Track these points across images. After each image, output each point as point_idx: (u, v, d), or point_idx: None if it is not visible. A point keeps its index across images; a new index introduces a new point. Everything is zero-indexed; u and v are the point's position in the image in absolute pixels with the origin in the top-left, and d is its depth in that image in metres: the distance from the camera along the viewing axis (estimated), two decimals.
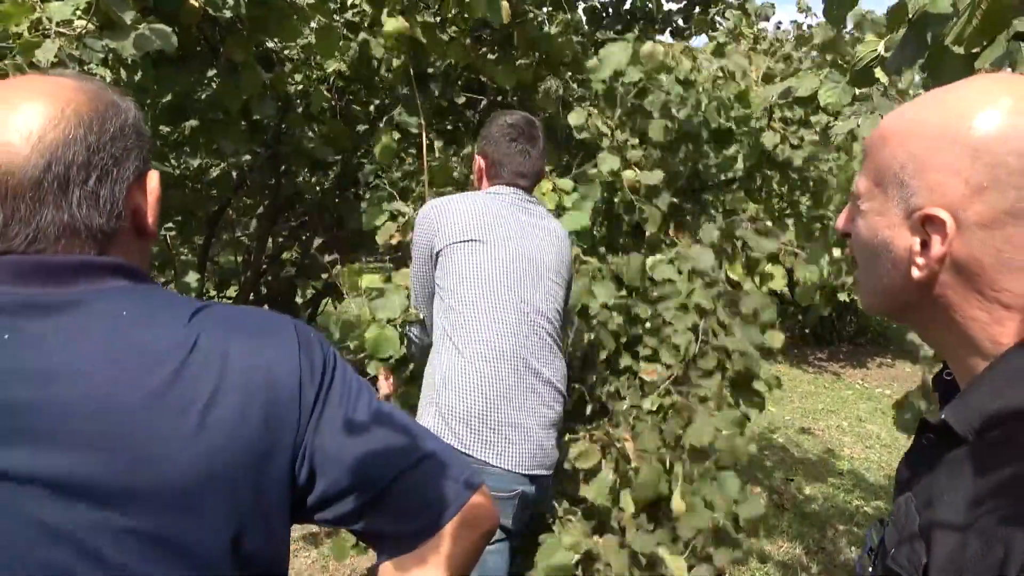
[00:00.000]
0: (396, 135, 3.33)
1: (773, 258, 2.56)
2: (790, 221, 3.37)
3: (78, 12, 2.01)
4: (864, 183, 0.72)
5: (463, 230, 1.77)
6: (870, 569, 0.75)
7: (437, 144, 3.28)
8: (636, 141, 2.90)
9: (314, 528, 3.51)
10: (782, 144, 2.97)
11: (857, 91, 1.81)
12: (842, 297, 8.98)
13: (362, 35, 3.23)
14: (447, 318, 1.75)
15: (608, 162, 2.70)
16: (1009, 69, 1.17)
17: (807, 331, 8.60)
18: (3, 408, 0.67)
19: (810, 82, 1.93)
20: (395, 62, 3.30)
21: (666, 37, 4.20)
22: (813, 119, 2.47)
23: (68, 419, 0.67)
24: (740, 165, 3.07)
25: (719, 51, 3.05)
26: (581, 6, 3.90)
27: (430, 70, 3.50)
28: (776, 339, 2.15)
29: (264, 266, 4.41)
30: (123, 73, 2.12)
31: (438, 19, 3.29)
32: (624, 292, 2.30)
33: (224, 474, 0.71)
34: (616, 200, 2.80)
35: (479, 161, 1.97)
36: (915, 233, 0.67)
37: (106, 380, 0.69)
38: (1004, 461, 0.61)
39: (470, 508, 0.82)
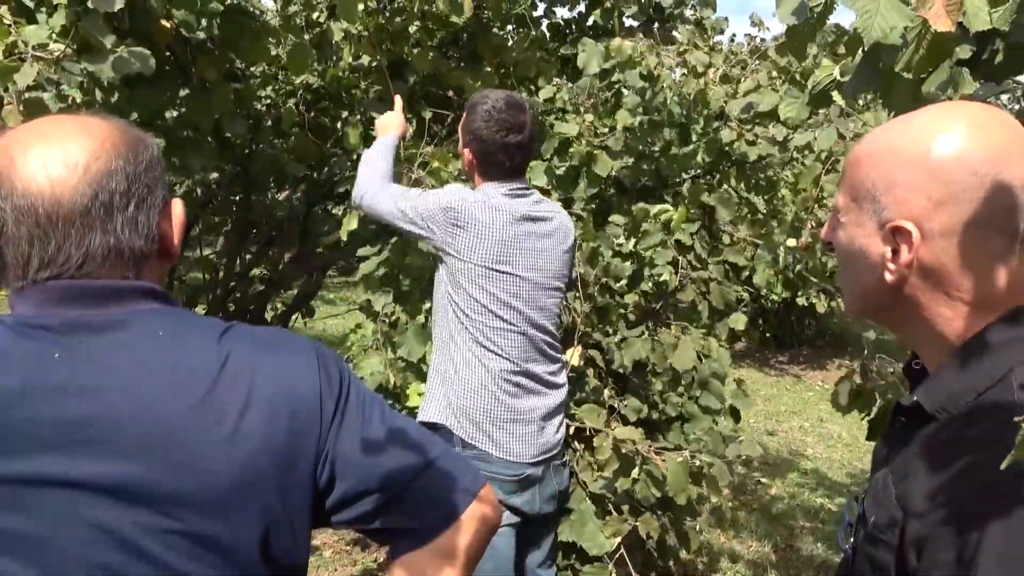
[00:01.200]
0: (361, 129, 3.39)
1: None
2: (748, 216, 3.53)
3: (54, 35, 2.02)
4: (843, 199, 0.82)
5: (495, 258, 1.90)
6: (851, 539, 0.84)
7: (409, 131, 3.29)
8: (606, 131, 3.06)
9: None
10: (738, 141, 3.11)
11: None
12: (801, 301, 9.22)
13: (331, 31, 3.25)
14: (463, 320, 1.90)
15: (569, 128, 2.86)
16: (952, 91, 1.28)
17: (769, 335, 8.80)
18: (59, 420, 0.73)
19: (771, 98, 2.05)
20: (364, 59, 3.33)
21: None
22: (772, 130, 2.60)
23: (118, 429, 0.74)
24: (699, 159, 3.20)
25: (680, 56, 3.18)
26: (545, 23, 3.99)
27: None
28: (739, 321, 2.32)
29: (233, 283, 4.39)
30: (98, 94, 2.12)
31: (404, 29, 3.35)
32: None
33: (254, 479, 0.79)
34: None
35: (467, 155, 1.99)
36: (887, 242, 0.76)
37: (150, 393, 0.76)
38: (965, 432, 0.71)
39: (477, 505, 0.90)
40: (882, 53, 1.02)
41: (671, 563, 2.72)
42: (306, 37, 3.05)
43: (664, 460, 2.03)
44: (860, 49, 1.08)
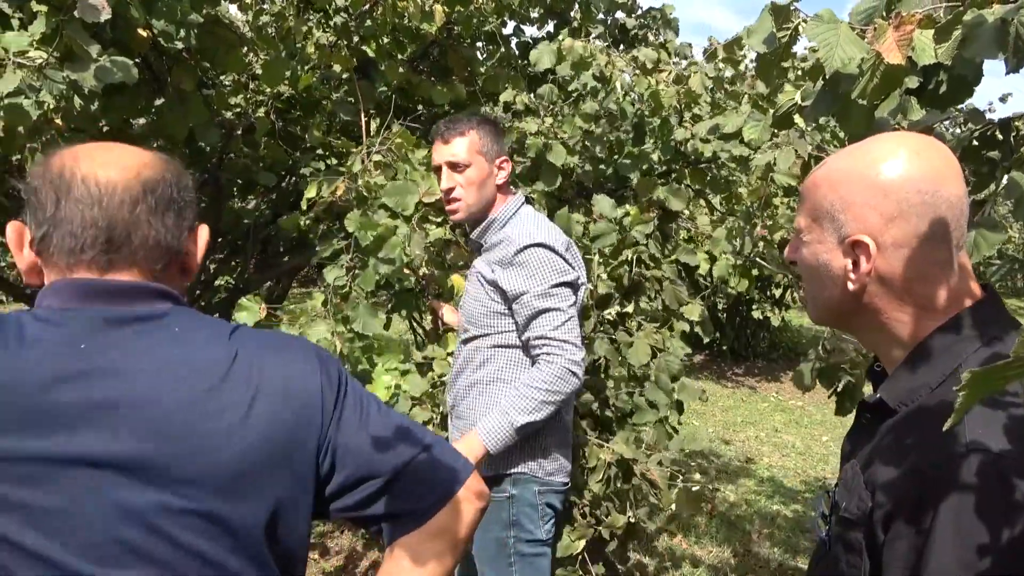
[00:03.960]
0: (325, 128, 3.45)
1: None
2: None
3: (34, 43, 2.03)
4: (804, 220, 0.91)
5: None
6: (826, 527, 0.92)
7: (374, 124, 3.33)
8: (566, 132, 3.17)
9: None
10: (692, 139, 3.23)
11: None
12: (756, 315, 9.46)
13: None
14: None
15: (527, 125, 2.98)
16: (901, 116, 1.40)
17: (725, 348, 9.02)
18: (85, 403, 0.80)
19: (735, 120, 2.18)
20: (336, 68, 3.37)
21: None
22: (735, 151, 2.73)
23: (138, 413, 0.81)
24: (656, 157, 3.32)
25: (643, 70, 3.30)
26: (514, 41, 4.09)
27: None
28: (694, 311, 2.43)
29: (198, 291, 4.36)
30: (77, 101, 2.13)
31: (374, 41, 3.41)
32: None
33: (261, 466, 0.86)
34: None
35: (509, 168, 1.99)
36: (847, 255, 0.86)
37: (166, 382, 0.84)
38: (921, 422, 0.81)
39: (468, 487, 0.97)
40: (841, 81, 1.12)
41: (633, 568, 2.81)
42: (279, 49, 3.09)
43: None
44: (821, 77, 1.18)
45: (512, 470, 1.88)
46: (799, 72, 1.71)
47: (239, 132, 3.39)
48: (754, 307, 9.16)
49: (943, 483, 0.72)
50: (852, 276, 0.85)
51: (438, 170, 1.98)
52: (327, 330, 2.36)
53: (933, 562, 0.70)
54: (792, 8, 1.12)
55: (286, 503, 0.88)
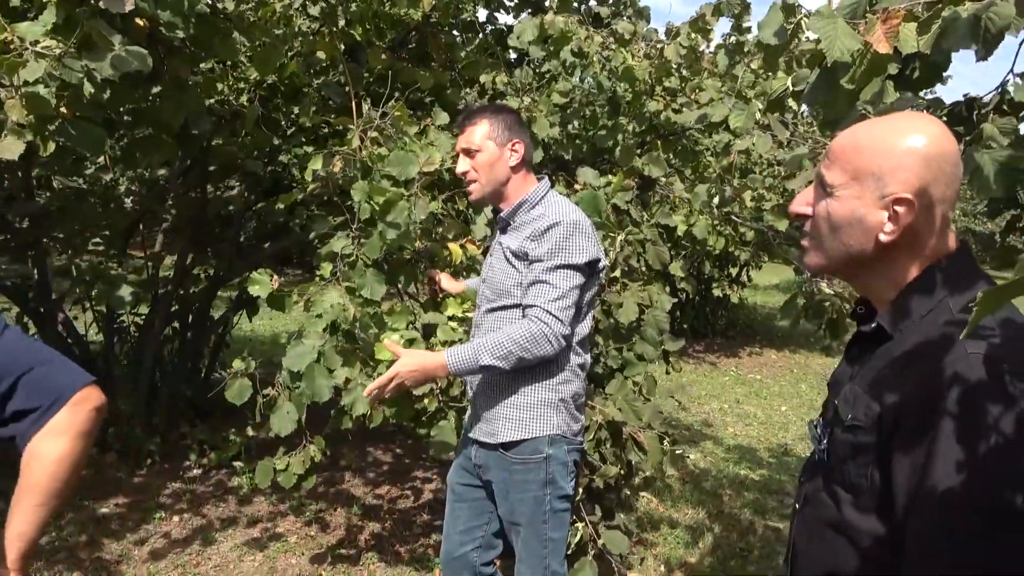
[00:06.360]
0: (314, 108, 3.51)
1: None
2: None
3: (47, 31, 2.08)
4: (840, 178, 1.05)
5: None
6: (823, 443, 1.10)
7: (365, 106, 3.42)
8: (543, 109, 3.31)
9: (256, 533, 3.57)
10: (665, 111, 3.40)
11: (759, 116, 2.27)
12: (716, 292, 9.78)
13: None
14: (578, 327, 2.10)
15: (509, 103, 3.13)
16: (880, 99, 1.58)
17: (686, 326, 9.32)
18: None
19: (721, 110, 2.35)
20: (320, 55, 3.43)
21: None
22: (716, 137, 2.90)
23: None
24: (630, 129, 3.48)
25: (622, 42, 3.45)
26: (489, 28, 4.20)
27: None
28: (677, 267, 2.65)
29: (173, 282, 4.38)
30: (87, 89, 2.18)
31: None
32: None
33: None
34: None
35: (522, 151, 2.13)
36: (886, 209, 1.01)
37: None
38: (918, 339, 0.99)
39: (85, 392, 1.27)
40: (838, 69, 1.29)
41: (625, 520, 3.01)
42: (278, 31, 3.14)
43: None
44: (817, 65, 1.35)
45: (548, 432, 2.03)
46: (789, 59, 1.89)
47: (227, 119, 3.43)
48: (714, 286, 9.47)
49: (946, 383, 0.90)
50: (888, 228, 1.01)
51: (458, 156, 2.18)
52: (339, 296, 2.44)
53: (941, 452, 0.88)
54: (796, 4, 1.28)
55: None
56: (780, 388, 7.46)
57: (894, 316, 1.04)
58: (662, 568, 3.43)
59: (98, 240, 3.50)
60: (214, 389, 4.49)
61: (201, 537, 3.50)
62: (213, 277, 4.54)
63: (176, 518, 3.69)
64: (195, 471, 4.23)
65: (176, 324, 4.64)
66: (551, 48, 3.23)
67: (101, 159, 3.93)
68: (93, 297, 4.12)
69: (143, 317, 4.47)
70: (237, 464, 4.21)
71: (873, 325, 1.07)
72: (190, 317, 4.66)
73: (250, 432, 4.36)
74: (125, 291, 3.11)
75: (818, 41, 1.22)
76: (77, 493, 3.86)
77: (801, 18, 1.27)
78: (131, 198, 4.03)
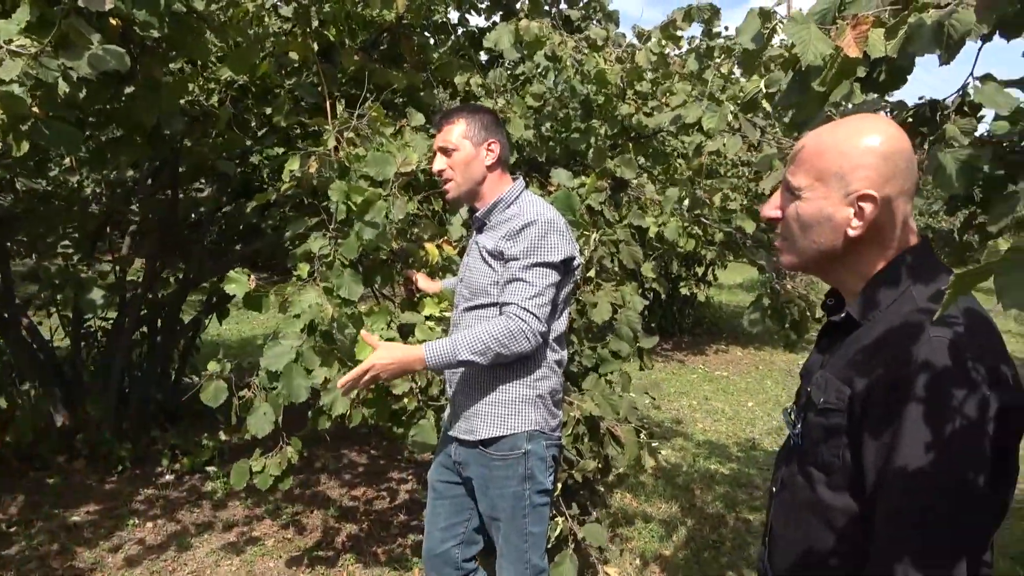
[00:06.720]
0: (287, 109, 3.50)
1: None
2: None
3: (21, 30, 2.06)
4: (805, 180, 1.11)
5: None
6: (797, 427, 1.16)
7: (340, 107, 3.42)
8: (516, 111, 3.36)
9: (232, 537, 3.55)
10: (637, 114, 3.47)
11: (730, 118, 2.35)
12: (684, 291, 9.92)
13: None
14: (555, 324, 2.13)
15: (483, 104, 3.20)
16: (847, 101, 1.65)
17: (654, 325, 9.44)
18: None
19: (695, 111, 2.42)
20: (292, 55, 3.42)
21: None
22: (688, 139, 2.98)
23: None
24: (603, 132, 3.55)
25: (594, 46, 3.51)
26: (461, 31, 4.23)
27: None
28: (649, 268, 2.72)
29: (150, 284, 4.32)
30: (61, 89, 2.16)
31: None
32: None
33: None
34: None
35: (498, 150, 2.16)
36: (851, 206, 1.07)
37: None
38: (885, 326, 1.06)
39: None
40: (811, 72, 1.36)
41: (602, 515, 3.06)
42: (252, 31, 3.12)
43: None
44: (791, 68, 1.41)
45: (527, 428, 2.07)
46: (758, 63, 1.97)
47: (199, 120, 3.40)
48: (681, 284, 9.61)
49: (913, 367, 0.96)
50: (855, 224, 1.08)
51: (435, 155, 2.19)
52: (317, 296, 2.45)
53: (907, 432, 0.94)
54: (772, 11, 1.34)
55: None
56: (746, 384, 7.61)
57: (863, 306, 1.11)
58: (637, 561, 3.49)
59: (67, 243, 3.44)
60: (184, 393, 4.44)
61: (176, 543, 3.46)
62: (183, 280, 4.49)
63: (150, 524, 3.64)
64: (168, 476, 4.18)
65: (145, 328, 4.58)
66: (525, 52, 3.28)
67: (68, 160, 3.87)
68: (59, 302, 4.06)
69: (111, 322, 4.40)
70: (210, 468, 4.18)
71: (843, 315, 1.14)
72: (159, 321, 4.60)
73: (222, 436, 4.34)
74: (97, 294, 3.07)
75: (792, 45, 1.29)
76: (46, 501, 3.79)
77: (776, 24, 1.34)
78: (98, 200, 3.96)
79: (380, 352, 1.94)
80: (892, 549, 0.97)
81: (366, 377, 1.94)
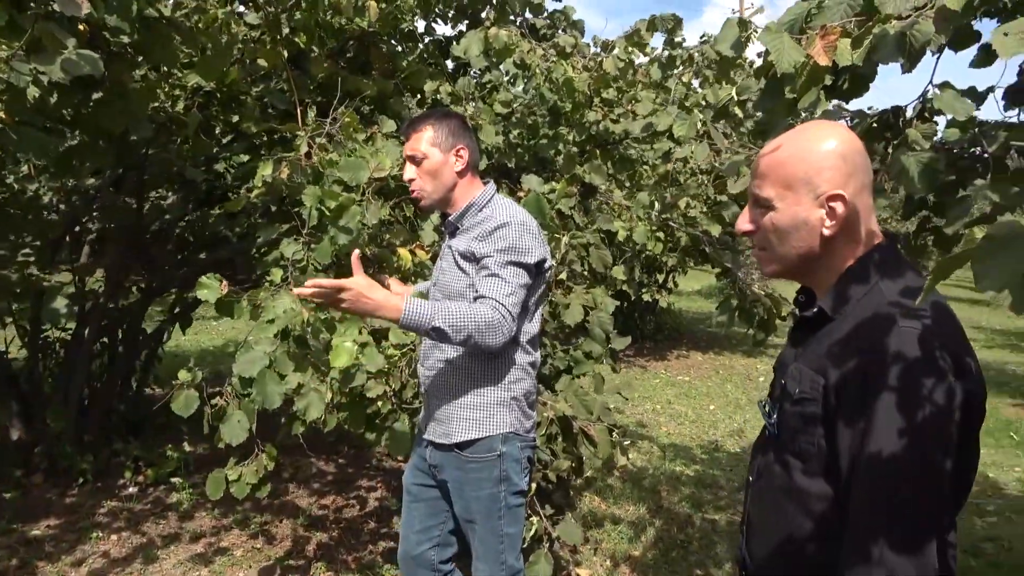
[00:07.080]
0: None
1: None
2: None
3: None
4: (774, 191, 1.17)
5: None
6: (773, 416, 1.21)
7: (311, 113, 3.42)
8: (485, 118, 3.40)
9: (200, 548, 3.49)
10: (603, 121, 3.55)
11: (699, 125, 2.44)
12: (646, 297, 10.05)
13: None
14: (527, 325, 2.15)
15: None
16: (814, 108, 1.73)
17: (616, 331, 9.56)
18: None
19: (666, 119, 2.50)
20: (260, 62, 3.41)
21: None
22: (657, 146, 3.06)
23: None
24: (571, 138, 3.62)
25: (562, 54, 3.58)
26: (427, 39, 4.27)
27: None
28: (619, 271, 2.79)
29: (111, 293, 4.23)
30: (30, 93, 2.13)
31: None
32: None
33: None
34: None
35: (467, 156, 2.16)
36: (822, 207, 1.14)
37: None
38: (855, 320, 1.11)
39: None
40: (784, 79, 1.43)
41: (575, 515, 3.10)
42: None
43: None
44: (764, 75, 1.49)
45: (502, 430, 2.09)
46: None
47: (166, 126, 3.37)
48: (643, 291, 9.75)
49: (884, 356, 1.02)
50: (828, 223, 1.14)
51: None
52: (292, 302, 2.43)
53: (879, 418, 1.00)
54: (749, 20, 1.41)
55: None
56: (708, 388, 7.76)
57: (834, 301, 1.17)
58: (608, 563, 3.54)
59: (27, 251, 3.35)
60: (147, 405, 4.35)
61: (142, 555, 3.39)
62: (145, 290, 4.41)
63: (114, 537, 3.56)
64: (131, 488, 4.09)
65: (106, 339, 4.48)
66: (494, 60, 3.33)
67: (25, 167, 3.79)
68: (16, 311, 3.95)
69: (70, 332, 4.30)
70: (175, 480, 4.10)
71: (815, 310, 1.19)
72: (120, 332, 4.51)
73: (187, 447, 4.26)
74: (60, 303, 3.01)
75: (767, 53, 1.36)
76: (3, 515, 3.68)
77: (751, 32, 1.41)
78: (56, 209, 3.87)
79: (361, 281, 1.83)
80: (867, 531, 1.02)
81: (338, 296, 1.80)
